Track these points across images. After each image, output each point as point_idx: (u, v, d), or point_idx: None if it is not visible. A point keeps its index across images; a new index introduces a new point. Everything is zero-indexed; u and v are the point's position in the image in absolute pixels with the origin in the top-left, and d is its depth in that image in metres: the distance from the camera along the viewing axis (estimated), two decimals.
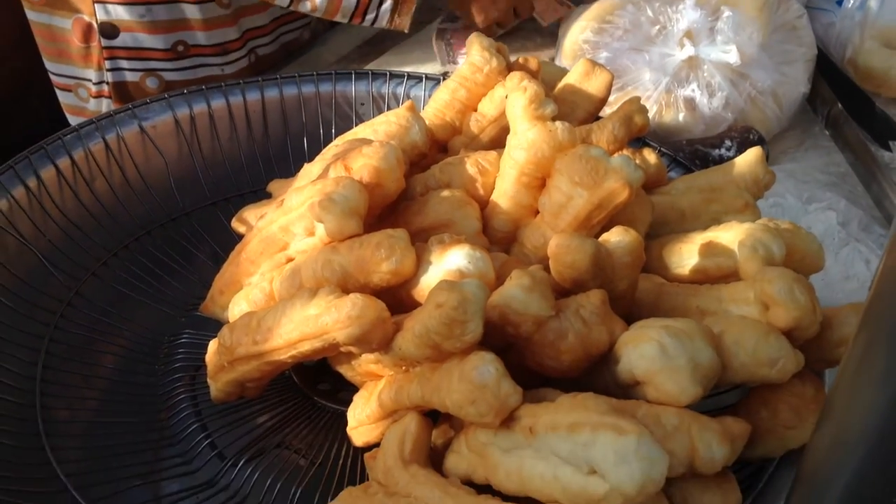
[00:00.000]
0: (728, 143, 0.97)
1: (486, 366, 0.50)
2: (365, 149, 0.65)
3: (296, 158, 0.87)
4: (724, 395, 0.64)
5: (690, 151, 0.96)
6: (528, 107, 0.64)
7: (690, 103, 0.98)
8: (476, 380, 0.50)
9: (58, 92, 1.19)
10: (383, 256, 0.58)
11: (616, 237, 0.58)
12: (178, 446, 0.65)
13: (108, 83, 1.12)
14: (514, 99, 0.65)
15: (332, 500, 0.53)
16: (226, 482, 0.62)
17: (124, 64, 1.11)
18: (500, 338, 0.55)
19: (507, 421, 0.51)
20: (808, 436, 0.51)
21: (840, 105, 1.05)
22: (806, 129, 1.07)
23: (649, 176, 0.72)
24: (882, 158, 0.98)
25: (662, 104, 0.98)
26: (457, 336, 0.51)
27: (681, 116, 0.98)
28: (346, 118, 0.90)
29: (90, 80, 1.13)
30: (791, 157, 1.02)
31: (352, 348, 0.56)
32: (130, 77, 1.12)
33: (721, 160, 0.92)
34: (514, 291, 0.53)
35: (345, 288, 0.58)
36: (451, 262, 0.57)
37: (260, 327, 0.59)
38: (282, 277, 0.64)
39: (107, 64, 1.10)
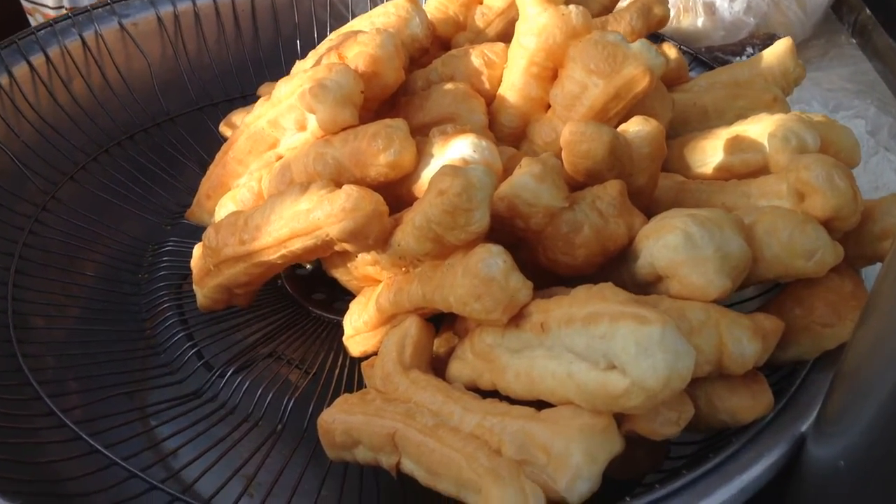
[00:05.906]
0: (749, 50, 0.92)
1: (493, 258, 0.45)
2: (360, 36, 0.59)
3: (288, 62, 0.81)
4: (747, 304, 0.60)
5: (710, 59, 0.90)
6: None
7: (710, 7, 0.92)
8: (482, 273, 0.45)
9: (28, 18, 1.11)
10: (381, 147, 0.53)
11: (635, 126, 0.53)
12: (163, 356, 0.61)
13: (65, 8, 1.04)
14: None
15: None
16: (213, 393, 0.58)
17: None
18: (508, 233, 0.51)
19: (516, 319, 0.46)
20: (847, 334, 0.47)
21: (868, 10, 0.98)
22: (830, 39, 1.01)
23: (669, 71, 0.67)
24: None
25: (680, 8, 0.92)
26: (461, 226, 0.46)
27: (700, 21, 0.92)
28: (342, 19, 0.84)
29: (47, 6, 1.06)
30: (816, 66, 0.96)
31: (347, 246, 0.52)
32: (88, 0, 1.04)
33: None
34: (524, 180, 0.48)
35: (339, 183, 0.54)
36: (454, 151, 0.53)
37: (247, 226, 0.55)
38: (271, 175, 0.59)
39: None
